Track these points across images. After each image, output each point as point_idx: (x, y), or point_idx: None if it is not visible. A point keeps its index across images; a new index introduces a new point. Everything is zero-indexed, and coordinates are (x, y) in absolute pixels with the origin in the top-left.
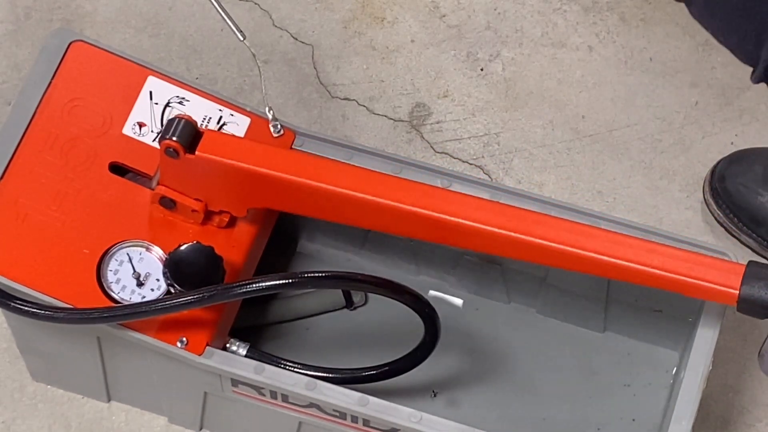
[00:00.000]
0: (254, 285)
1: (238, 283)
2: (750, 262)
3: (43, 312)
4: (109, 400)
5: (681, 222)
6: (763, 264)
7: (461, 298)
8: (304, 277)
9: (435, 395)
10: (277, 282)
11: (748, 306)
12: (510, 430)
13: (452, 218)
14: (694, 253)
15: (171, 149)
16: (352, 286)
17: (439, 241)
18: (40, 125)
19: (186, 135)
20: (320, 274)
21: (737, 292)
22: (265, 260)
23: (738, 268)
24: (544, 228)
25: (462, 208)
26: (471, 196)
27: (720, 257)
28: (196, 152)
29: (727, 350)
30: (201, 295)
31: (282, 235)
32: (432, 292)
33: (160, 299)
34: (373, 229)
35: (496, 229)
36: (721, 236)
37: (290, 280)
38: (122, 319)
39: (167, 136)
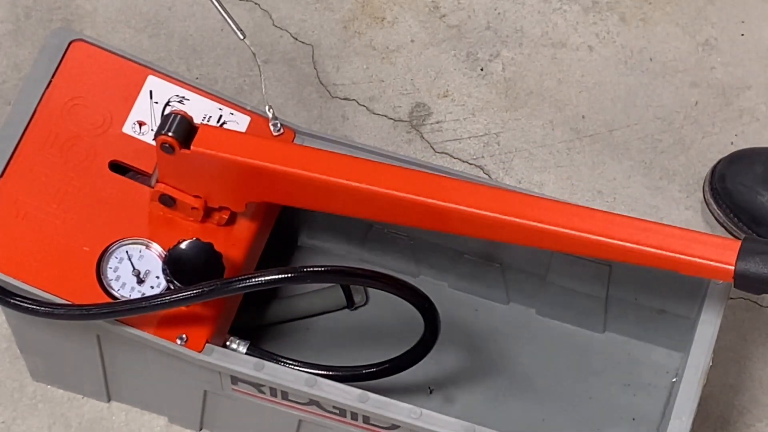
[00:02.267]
0: (254, 279)
1: (237, 278)
2: (746, 237)
3: (42, 308)
4: (109, 400)
5: (681, 222)
6: (758, 239)
7: (460, 298)
8: (304, 271)
9: (431, 392)
10: (277, 276)
11: (745, 281)
12: (509, 430)
13: (449, 204)
14: (689, 230)
15: (166, 144)
16: (352, 281)
17: (437, 228)
18: (41, 124)
19: (181, 130)
20: (320, 269)
21: (733, 267)
22: (264, 259)
23: (734, 244)
24: (539, 210)
25: (459, 194)
26: (465, 181)
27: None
28: (191, 147)
29: (727, 350)
30: (200, 290)
31: (282, 235)
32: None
33: (160, 294)
34: (369, 219)
35: (490, 213)
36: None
37: (290, 275)
38: (122, 314)
39: (162, 132)
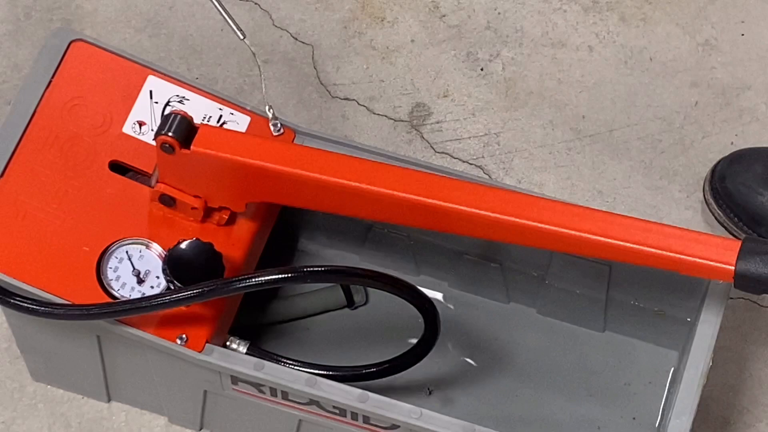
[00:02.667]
0: (254, 279)
1: (237, 278)
2: (746, 237)
3: (42, 308)
4: (109, 400)
5: (681, 222)
6: (759, 239)
7: (460, 298)
8: (304, 271)
9: (430, 393)
10: (277, 276)
11: (745, 282)
12: (509, 430)
13: (449, 204)
14: (689, 230)
15: (166, 145)
16: (353, 281)
17: (437, 228)
18: (41, 124)
19: (181, 130)
20: (320, 269)
21: (733, 268)
22: (264, 261)
23: (734, 244)
24: (539, 210)
25: (459, 194)
26: (465, 181)
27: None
28: (191, 147)
29: (727, 350)
30: (201, 290)
31: (281, 236)
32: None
33: (160, 294)
34: (369, 219)
35: (490, 213)
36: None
37: (290, 275)
38: (122, 314)
39: (162, 132)
